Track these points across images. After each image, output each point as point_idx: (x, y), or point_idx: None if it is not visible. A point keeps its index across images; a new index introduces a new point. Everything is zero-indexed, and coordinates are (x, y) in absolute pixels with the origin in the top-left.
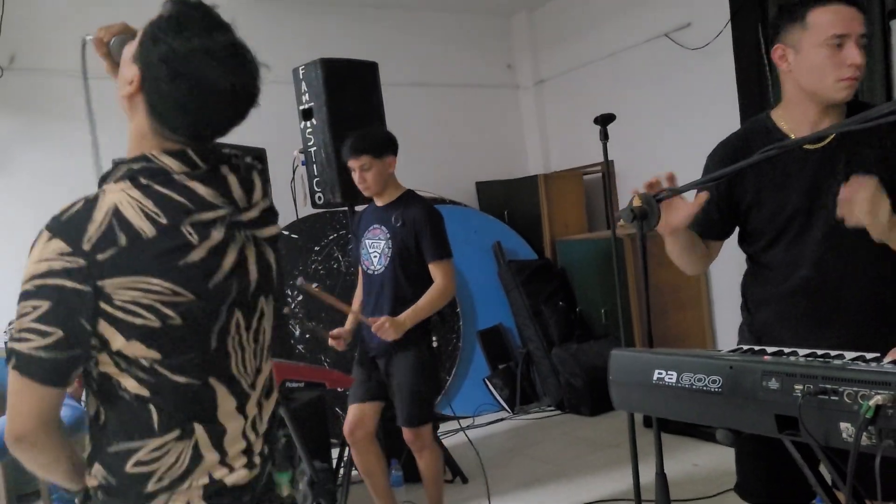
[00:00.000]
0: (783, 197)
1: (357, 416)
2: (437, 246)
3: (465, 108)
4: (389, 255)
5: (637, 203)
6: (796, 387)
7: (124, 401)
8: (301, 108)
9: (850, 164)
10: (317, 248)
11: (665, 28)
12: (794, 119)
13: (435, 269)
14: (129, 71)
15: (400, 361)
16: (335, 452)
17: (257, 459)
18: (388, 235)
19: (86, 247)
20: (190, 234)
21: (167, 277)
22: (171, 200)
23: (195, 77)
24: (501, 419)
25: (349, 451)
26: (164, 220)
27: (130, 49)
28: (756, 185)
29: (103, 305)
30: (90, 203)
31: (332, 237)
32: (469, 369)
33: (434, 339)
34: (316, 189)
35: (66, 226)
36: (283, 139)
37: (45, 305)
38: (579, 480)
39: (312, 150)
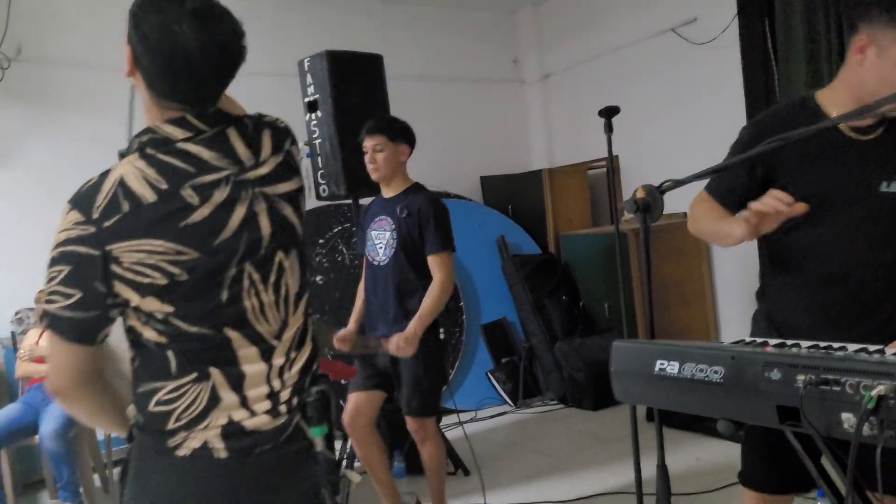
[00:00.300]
0: (819, 182)
1: (356, 404)
2: (439, 238)
3: (470, 103)
4: (394, 246)
5: (641, 194)
6: (798, 377)
7: (147, 348)
8: (306, 100)
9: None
10: (321, 242)
11: (671, 23)
12: (844, 108)
13: (434, 262)
14: (126, 53)
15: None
16: (338, 446)
17: (283, 408)
18: (394, 226)
19: (95, 215)
20: (190, 196)
21: (169, 238)
22: (172, 167)
23: (168, 43)
24: (504, 413)
25: (350, 442)
26: (164, 186)
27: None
28: (792, 165)
29: (114, 268)
30: (102, 176)
31: (336, 230)
32: (472, 363)
33: (441, 330)
34: (320, 181)
35: (81, 198)
36: None
37: (66, 270)
38: (581, 474)
39: (317, 142)
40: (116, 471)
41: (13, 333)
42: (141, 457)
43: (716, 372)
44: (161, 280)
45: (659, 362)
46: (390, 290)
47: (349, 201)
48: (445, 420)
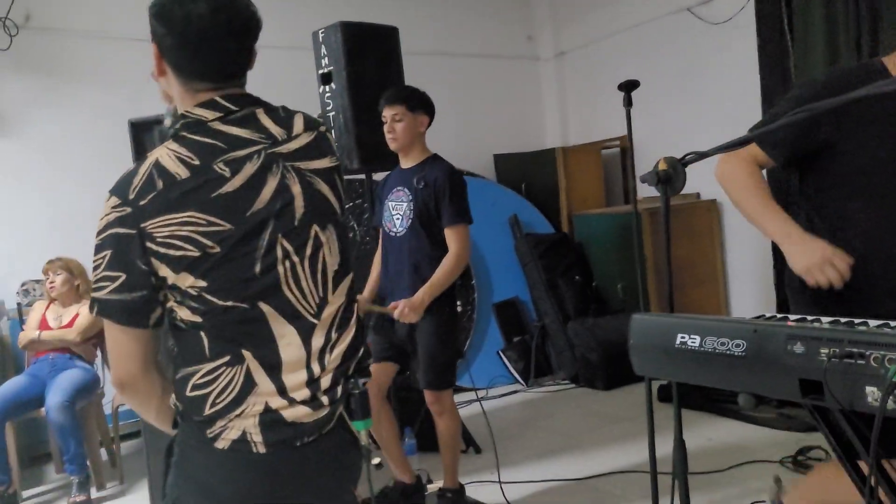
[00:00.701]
0: (880, 148)
1: (376, 376)
2: (456, 210)
3: (483, 80)
4: (411, 216)
5: (663, 167)
6: (822, 351)
7: (183, 330)
8: (320, 72)
9: None
10: None
11: (687, 2)
12: None
13: (450, 234)
14: (153, 53)
15: (423, 325)
16: None
17: (325, 399)
18: (411, 197)
19: (131, 196)
20: (222, 169)
21: (201, 209)
22: (205, 144)
23: (183, 16)
24: (515, 392)
25: None
26: (196, 162)
27: None
28: (851, 126)
29: (149, 244)
30: (139, 163)
31: (347, 206)
32: (484, 342)
33: (458, 303)
34: (333, 157)
35: (119, 184)
36: (301, 105)
37: (108, 253)
38: (593, 453)
39: (331, 114)
40: (124, 444)
41: (19, 305)
42: (184, 445)
43: (738, 345)
44: (194, 252)
45: (679, 336)
46: (406, 261)
47: (360, 176)
48: (457, 398)
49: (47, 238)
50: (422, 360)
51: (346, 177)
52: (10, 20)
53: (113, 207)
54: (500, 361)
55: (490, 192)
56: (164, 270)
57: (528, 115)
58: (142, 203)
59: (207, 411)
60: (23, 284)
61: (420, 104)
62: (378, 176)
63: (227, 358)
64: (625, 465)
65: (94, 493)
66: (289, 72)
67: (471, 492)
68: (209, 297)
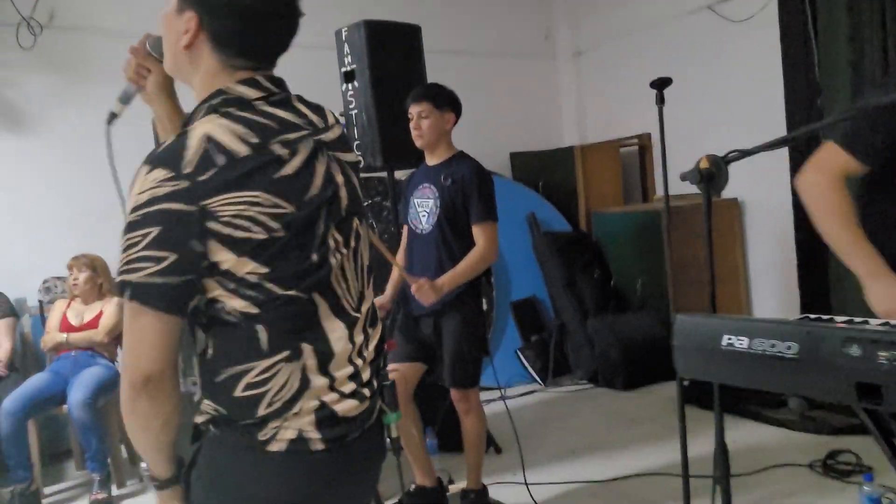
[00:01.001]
0: None
1: (398, 375)
2: (484, 208)
3: (501, 78)
4: (437, 214)
5: (705, 165)
6: (881, 353)
7: (231, 325)
8: (343, 70)
9: None
10: None
11: (708, 0)
12: None
13: (478, 231)
14: (181, 21)
15: (449, 322)
16: None
17: (366, 391)
18: (437, 194)
19: (186, 170)
20: (280, 150)
21: (266, 189)
22: (257, 122)
23: None
24: (533, 391)
25: None
26: (254, 140)
27: (171, 4)
28: None
29: (210, 224)
30: (181, 136)
31: (366, 203)
32: (501, 340)
33: (483, 300)
34: (356, 153)
35: (164, 156)
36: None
37: (154, 231)
38: (614, 454)
39: (353, 112)
40: None
41: (41, 303)
42: (219, 455)
43: (789, 347)
44: (260, 234)
45: (726, 337)
46: (432, 258)
47: (381, 174)
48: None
49: (68, 235)
50: (448, 357)
51: (368, 174)
52: (34, 20)
53: (161, 181)
54: (518, 360)
55: (507, 190)
56: (220, 254)
57: (546, 114)
58: (201, 179)
59: (262, 412)
60: (44, 282)
61: (447, 102)
62: (400, 174)
63: (286, 353)
64: (650, 467)
65: (114, 491)
66: (309, 70)
67: (493, 493)
68: (270, 285)
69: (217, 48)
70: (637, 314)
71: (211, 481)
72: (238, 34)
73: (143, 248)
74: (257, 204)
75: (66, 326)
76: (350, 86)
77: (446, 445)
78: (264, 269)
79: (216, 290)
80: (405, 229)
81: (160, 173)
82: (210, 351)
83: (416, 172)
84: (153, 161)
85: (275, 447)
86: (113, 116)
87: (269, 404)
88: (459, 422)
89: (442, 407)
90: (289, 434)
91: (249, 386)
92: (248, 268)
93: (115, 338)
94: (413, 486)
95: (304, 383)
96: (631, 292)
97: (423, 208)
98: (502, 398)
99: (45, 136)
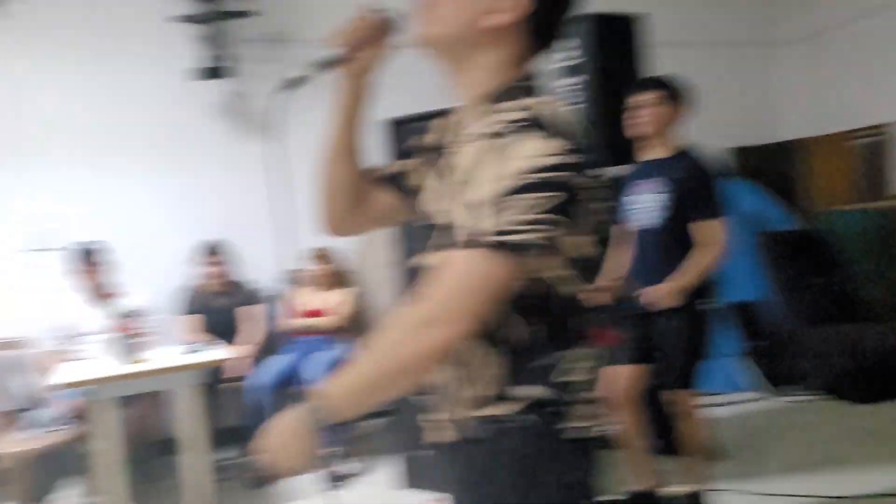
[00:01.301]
0: None
1: (631, 376)
2: (714, 204)
3: (718, 68)
4: (663, 209)
5: None
6: None
7: (554, 310)
8: (566, 64)
9: None
10: None
11: None
12: None
13: (710, 228)
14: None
15: (673, 323)
16: None
17: None
18: (664, 189)
19: (579, 146)
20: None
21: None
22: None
23: None
24: (756, 399)
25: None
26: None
27: None
28: None
29: (589, 202)
30: (551, 111)
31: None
32: (721, 345)
33: (707, 300)
34: None
35: (558, 127)
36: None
37: (560, 197)
38: (854, 471)
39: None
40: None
41: (280, 291)
42: (535, 445)
43: None
44: (602, 216)
45: None
46: (659, 255)
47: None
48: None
49: (306, 229)
50: (668, 358)
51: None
52: None
53: (564, 151)
54: (739, 366)
55: (727, 186)
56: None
57: (766, 105)
58: (586, 158)
59: (586, 397)
60: (284, 271)
61: (674, 93)
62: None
63: (590, 338)
64: (891, 486)
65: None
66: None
67: (714, 500)
68: (589, 271)
69: (534, 37)
70: (873, 322)
71: (528, 475)
72: (555, 26)
73: (542, 212)
74: (596, 187)
75: (308, 314)
76: (573, 80)
77: (664, 448)
78: (593, 252)
79: (559, 270)
80: (621, 228)
81: (560, 143)
82: (527, 335)
83: (636, 170)
84: (549, 129)
85: (585, 434)
86: (299, 80)
87: (592, 389)
88: (675, 425)
89: (661, 409)
90: (589, 421)
91: (582, 371)
92: (590, 251)
93: (350, 323)
94: (630, 488)
95: (593, 379)
96: (868, 298)
97: (646, 204)
98: (722, 404)
99: (288, 142)
